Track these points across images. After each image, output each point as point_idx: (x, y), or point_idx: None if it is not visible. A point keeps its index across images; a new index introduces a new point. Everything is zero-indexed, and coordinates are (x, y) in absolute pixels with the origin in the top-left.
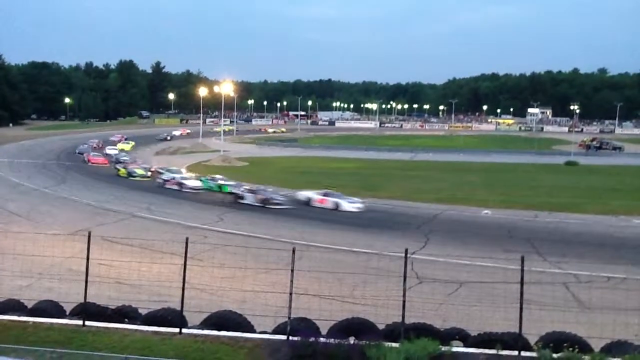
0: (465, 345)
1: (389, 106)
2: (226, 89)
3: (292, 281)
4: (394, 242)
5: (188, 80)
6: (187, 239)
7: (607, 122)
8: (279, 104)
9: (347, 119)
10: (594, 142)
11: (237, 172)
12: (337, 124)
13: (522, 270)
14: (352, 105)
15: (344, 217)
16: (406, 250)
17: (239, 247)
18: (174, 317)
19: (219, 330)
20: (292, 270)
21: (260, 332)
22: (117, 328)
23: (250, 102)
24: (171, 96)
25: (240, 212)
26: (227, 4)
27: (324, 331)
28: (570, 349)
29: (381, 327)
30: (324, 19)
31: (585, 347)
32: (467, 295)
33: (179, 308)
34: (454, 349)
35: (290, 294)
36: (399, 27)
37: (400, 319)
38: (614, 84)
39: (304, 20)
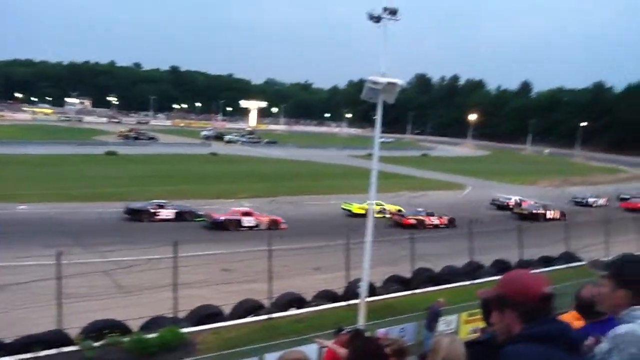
0: (4, 355)
1: None
2: None
3: None
4: None
5: None
6: None
7: (143, 113)
8: None
9: None
10: (132, 133)
11: None
12: None
13: (59, 265)
14: None
15: None
16: None
17: None
18: None
19: None
20: None
21: None
22: None
23: None
24: None
25: None
26: None
27: None
28: (111, 334)
29: None
30: None
31: (126, 329)
32: (8, 300)
33: None
34: None
35: None
36: None
37: None
38: (149, 78)
39: None
